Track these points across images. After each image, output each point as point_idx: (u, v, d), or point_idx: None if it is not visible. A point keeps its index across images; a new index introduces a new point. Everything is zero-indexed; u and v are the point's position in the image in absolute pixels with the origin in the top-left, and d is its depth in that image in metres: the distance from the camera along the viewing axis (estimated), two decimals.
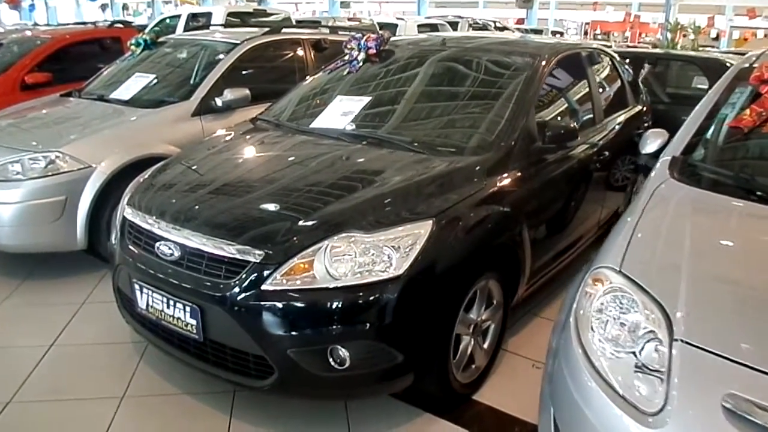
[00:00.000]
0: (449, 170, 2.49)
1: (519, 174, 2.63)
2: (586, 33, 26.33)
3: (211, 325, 2.15)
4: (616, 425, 1.38)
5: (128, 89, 4.23)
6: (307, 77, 3.82)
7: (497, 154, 2.62)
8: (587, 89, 3.50)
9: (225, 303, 2.08)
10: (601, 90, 3.68)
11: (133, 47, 4.77)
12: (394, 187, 2.36)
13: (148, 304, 2.33)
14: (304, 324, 2.04)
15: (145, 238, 2.38)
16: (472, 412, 2.44)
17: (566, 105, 3.33)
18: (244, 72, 4.33)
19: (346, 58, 3.52)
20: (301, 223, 2.17)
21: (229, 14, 9.39)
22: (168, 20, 10.41)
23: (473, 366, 2.52)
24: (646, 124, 4.09)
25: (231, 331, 2.10)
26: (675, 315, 1.45)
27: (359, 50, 3.46)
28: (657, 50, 8.30)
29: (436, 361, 2.24)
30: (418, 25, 10.56)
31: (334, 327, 2.02)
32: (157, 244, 2.30)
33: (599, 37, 24.85)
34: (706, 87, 5.17)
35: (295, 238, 2.10)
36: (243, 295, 2.05)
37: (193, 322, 2.17)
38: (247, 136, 3.13)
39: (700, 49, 12.31)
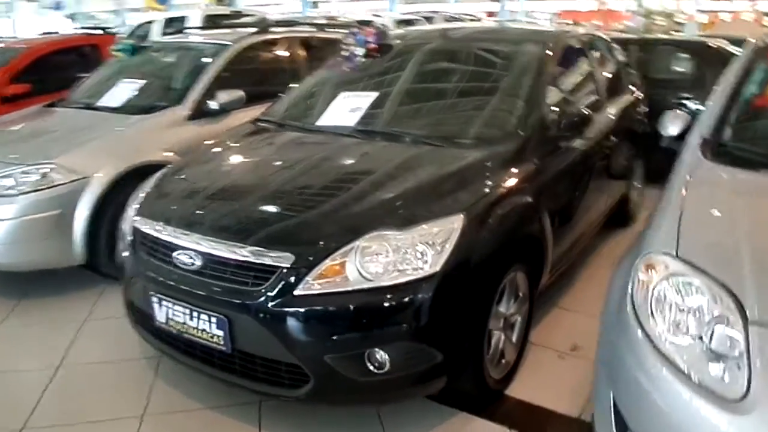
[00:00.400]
0: (471, 162, 2.44)
1: (538, 163, 2.60)
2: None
3: (239, 336, 2.06)
4: (692, 412, 1.33)
5: (117, 96, 4.08)
6: (306, 76, 3.72)
7: (516, 144, 2.59)
8: (593, 76, 3.50)
9: (255, 311, 1.99)
10: (604, 76, 3.69)
11: (116, 53, 4.61)
12: (419, 182, 2.30)
13: (167, 317, 2.22)
14: (340, 328, 1.97)
15: (162, 248, 2.27)
16: (506, 408, 2.39)
17: (577, 92, 3.32)
18: (237, 73, 4.21)
19: (346, 54, 3.44)
20: (329, 224, 2.10)
21: (207, 17, 9.29)
22: (148, 24, 10.25)
23: (504, 361, 2.47)
24: (644, 108, 4.12)
25: (262, 341, 2.01)
26: (745, 298, 1.41)
27: (358, 45, 3.38)
28: (647, 36, 8.39)
29: (472, 359, 2.19)
30: (396, 22, 10.52)
31: (372, 330, 1.95)
32: (175, 253, 2.19)
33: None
34: (683, 71, 5.24)
35: (324, 240, 2.03)
36: (274, 302, 1.96)
37: (220, 333, 2.08)
38: (253, 138, 3.03)
39: (672, 33, 12.58)
